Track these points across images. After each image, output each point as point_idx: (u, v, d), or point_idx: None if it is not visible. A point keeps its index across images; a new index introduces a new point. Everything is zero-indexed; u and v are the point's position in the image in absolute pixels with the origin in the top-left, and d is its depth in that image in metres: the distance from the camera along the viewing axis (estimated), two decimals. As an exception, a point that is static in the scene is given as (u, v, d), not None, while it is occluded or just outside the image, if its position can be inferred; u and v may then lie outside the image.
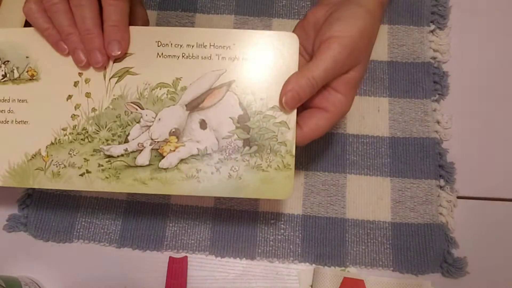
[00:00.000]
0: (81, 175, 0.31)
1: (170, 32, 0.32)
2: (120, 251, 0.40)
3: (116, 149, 0.31)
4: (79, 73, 0.32)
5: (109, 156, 0.31)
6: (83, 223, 0.41)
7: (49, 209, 0.41)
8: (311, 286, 0.38)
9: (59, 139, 0.32)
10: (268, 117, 0.31)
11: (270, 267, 0.39)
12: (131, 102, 0.32)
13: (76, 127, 0.32)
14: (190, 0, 0.47)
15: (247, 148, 0.31)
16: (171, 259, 0.39)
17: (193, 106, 0.31)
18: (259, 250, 0.40)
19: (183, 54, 0.32)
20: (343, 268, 0.39)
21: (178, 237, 0.40)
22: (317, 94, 0.31)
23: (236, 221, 0.40)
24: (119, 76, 0.32)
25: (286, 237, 0.40)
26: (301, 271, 0.39)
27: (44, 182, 0.31)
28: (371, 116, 0.43)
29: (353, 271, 0.39)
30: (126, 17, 0.32)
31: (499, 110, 0.43)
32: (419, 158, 0.41)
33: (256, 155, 0.31)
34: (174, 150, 0.31)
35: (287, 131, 0.31)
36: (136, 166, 0.31)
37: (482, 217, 0.40)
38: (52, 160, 0.31)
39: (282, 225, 0.40)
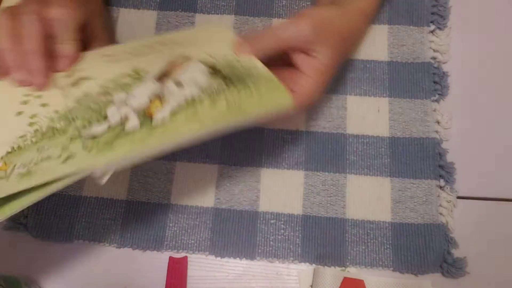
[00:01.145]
0: (65, 160, 0.28)
1: (113, 47, 0.34)
2: (120, 251, 0.40)
3: (99, 128, 0.28)
4: (25, 94, 0.31)
5: (93, 137, 0.28)
6: (83, 223, 0.41)
7: (49, 209, 0.41)
8: (311, 286, 0.38)
9: (18, 145, 0.29)
10: (233, 60, 0.33)
11: (270, 267, 0.39)
12: (97, 93, 0.30)
13: (39, 130, 0.29)
14: (190, 0, 0.48)
15: (231, 86, 0.31)
16: (171, 259, 0.39)
17: (162, 76, 0.32)
18: (259, 250, 0.40)
19: (134, 55, 0.34)
20: (343, 268, 0.39)
21: (178, 237, 0.40)
22: (285, 75, 0.33)
23: (236, 221, 0.40)
24: (75, 84, 0.31)
25: (286, 237, 0.40)
26: (301, 271, 0.39)
27: (10, 186, 0.27)
28: (371, 116, 0.43)
29: (353, 271, 0.39)
30: (74, 32, 0.32)
31: (499, 110, 0.43)
32: (419, 158, 0.41)
33: (243, 85, 0.31)
34: (162, 107, 0.30)
35: (257, 63, 0.33)
36: (128, 133, 0.28)
37: (482, 217, 0.40)
38: (15, 165, 0.28)
39: (282, 225, 0.40)
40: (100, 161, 0.27)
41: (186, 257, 0.39)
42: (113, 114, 0.29)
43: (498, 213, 0.40)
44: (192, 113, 0.29)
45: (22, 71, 0.31)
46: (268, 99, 0.31)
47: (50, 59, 0.32)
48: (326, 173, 0.41)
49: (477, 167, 0.42)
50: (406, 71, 0.44)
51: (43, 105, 0.31)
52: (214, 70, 0.32)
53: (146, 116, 0.29)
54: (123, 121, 0.29)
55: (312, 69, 0.34)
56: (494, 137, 0.42)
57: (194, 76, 0.31)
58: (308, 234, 0.40)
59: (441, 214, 0.40)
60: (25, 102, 0.31)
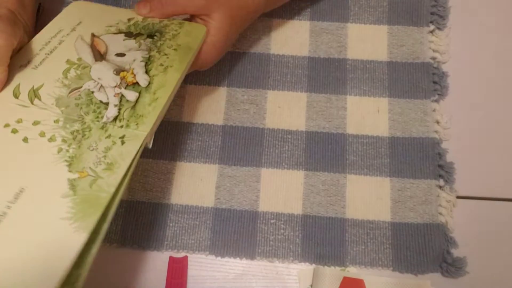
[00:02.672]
0: (122, 143, 0.30)
1: (21, 53, 0.35)
2: (120, 251, 0.40)
3: (110, 111, 0.32)
4: (5, 124, 0.30)
5: (114, 119, 0.31)
6: (83, 223, 0.41)
7: (49, 209, 0.41)
8: (311, 286, 0.38)
9: (69, 157, 0.29)
10: (133, 19, 0.38)
11: (270, 267, 0.39)
12: (69, 93, 0.32)
13: (65, 139, 0.30)
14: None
15: (156, 38, 0.37)
16: (171, 259, 0.39)
17: (98, 57, 0.35)
18: (259, 250, 0.40)
19: (47, 53, 0.35)
20: (343, 268, 0.39)
21: (178, 237, 0.40)
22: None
23: (236, 221, 0.40)
24: (36, 96, 0.32)
25: (286, 237, 0.40)
26: (301, 271, 0.39)
27: (111, 180, 0.28)
28: (371, 116, 0.43)
29: (352, 271, 0.39)
30: (8, 58, 0.32)
31: (498, 110, 0.43)
32: (418, 158, 0.42)
33: (167, 36, 0.36)
34: (134, 74, 0.34)
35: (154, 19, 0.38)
36: (135, 102, 0.32)
37: (481, 217, 0.40)
38: (89, 167, 0.29)
39: (282, 225, 0.40)
40: (148, 126, 0.31)
41: (186, 257, 0.40)
42: (106, 98, 0.32)
43: (498, 212, 0.40)
44: (161, 67, 0.34)
45: None
46: (194, 33, 0.37)
47: None
48: (326, 173, 0.42)
49: (476, 167, 0.42)
50: (406, 71, 0.44)
51: (35, 123, 0.31)
52: (131, 35, 0.37)
53: (131, 86, 0.33)
54: (120, 98, 0.32)
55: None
56: (494, 137, 0.43)
57: (123, 44, 0.36)
58: (308, 234, 0.40)
59: (440, 214, 0.40)
60: (14, 131, 0.30)
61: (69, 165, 0.29)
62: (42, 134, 0.30)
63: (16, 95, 0.32)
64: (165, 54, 0.35)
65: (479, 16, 0.46)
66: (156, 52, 0.35)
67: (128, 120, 0.31)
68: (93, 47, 0.36)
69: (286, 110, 0.44)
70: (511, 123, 0.43)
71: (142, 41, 0.36)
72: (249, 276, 0.39)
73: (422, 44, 0.45)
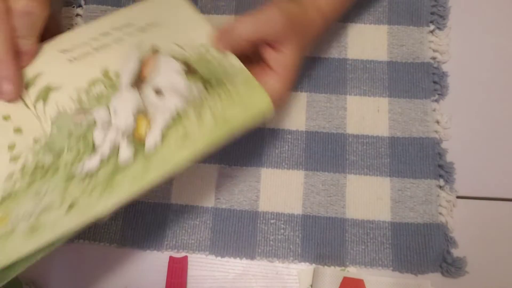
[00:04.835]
0: (68, 210, 0.25)
1: (67, 37, 0.30)
2: (120, 251, 0.40)
3: (91, 162, 0.26)
4: (4, 116, 0.27)
5: (88, 175, 0.26)
6: (83, 223, 0.41)
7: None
8: (311, 285, 0.38)
9: (10, 192, 0.25)
10: (206, 56, 0.31)
11: (270, 267, 0.39)
12: (75, 112, 0.28)
13: (25, 167, 0.26)
14: (190, 1, 0.47)
15: (209, 88, 0.29)
16: (171, 259, 0.39)
17: (137, 81, 0.29)
18: (259, 250, 0.40)
19: (94, 49, 0.30)
20: (343, 267, 0.39)
21: (178, 237, 0.40)
22: (254, 71, 0.32)
23: (236, 221, 0.40)
24: (43, 98, 0.28)
25: (286, 237, 0.40)
26: (301, 271, 0.39)
27: (20, 246, 0.24)
28: (371, 116, 0.43)
29: (352, 271, 0.39)
30: (39, 27, 0.29)
31: (499, 110, 0.43)
32: (418, 158, 0.42)
33: (222, 88, 0.29)
34: (150, 129, 0.28)
35: (233, 58, 0.31)
36: (124, 167, 0.26)
37: (481, 216, 0.40)
38: (17, 215, 0.25)
39: (282, 225, 0.40)
40: (105, 205, 0.25)
41: (186, 256, 0.40)
42: (102, 142, 0.27)
43: (498, 212, 0.40)
44: (182, 134, 0.28)
45: None
46: (250, 104, 0.29)
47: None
48: (326, 173, 0.41)
49: (476, 166, 0.42)
50: (406, 71, 0.44)
51: (17, 130, 0.27)
52: (189, 69, 0.30)
53: (136, 140, 0.27)
54: (115, 150, 0.27)
55: (281, 65, 0.32)
56: (494, 137, 0.43)
57: (171, 80, 0.29)
58: (308, 234, 0.40)
59: (440, 213, 0.40)
60: None
61: (5, 197, 0.25)
62: (11, 147, 0.27)
63: (27, 86, 0.28)
64: (200, 118, 0.28)
65: (479, 16, 0.46)
66: (193, 109, 0.28)
67: (95, 183, 0.26)
68: (142, 64, 0.30)
69: (286, 110, 0.44)
70: (511, 123, 0.43)
71: (192, 83, 0.29)
72: (249, 276, 0.39)
73: (422, 44, 0.45)
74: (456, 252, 0.39)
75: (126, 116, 0.28)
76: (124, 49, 0.30)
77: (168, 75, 0.29)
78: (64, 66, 0.29)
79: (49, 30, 0.32)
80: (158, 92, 0.29)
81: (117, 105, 0.28)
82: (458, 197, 0.41)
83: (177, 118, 0.28)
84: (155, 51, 0.30)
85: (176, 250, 0.40)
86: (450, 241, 0.39)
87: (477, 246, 0.39)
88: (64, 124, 0.27)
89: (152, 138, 0.27)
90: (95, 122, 0.28)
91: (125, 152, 0.27)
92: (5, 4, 0.27)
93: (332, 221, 0.40)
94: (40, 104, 0.28)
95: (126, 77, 0.29)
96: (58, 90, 0.28)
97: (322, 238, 0.40)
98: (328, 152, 0.42)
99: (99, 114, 0.28)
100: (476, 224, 0.40)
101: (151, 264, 0.40)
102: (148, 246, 0.40)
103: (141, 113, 0.28)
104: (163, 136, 0.27)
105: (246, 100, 0.29)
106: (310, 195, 0.41)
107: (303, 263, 0.39)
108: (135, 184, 0.26)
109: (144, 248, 0.40)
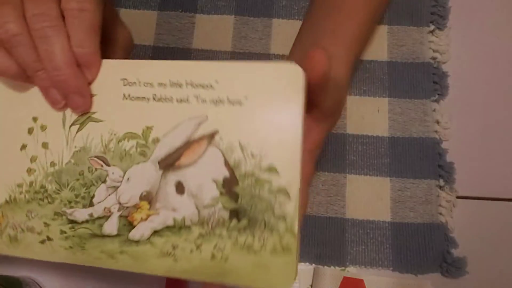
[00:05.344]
0: (42, 242, 0.26)
1: (138, 66, 0.26)
2: (120, 251, 0.40)
3: (80, 214, 0.26)
4: (33, 117, 0.27)
5: (73, 221, 0.26)
6: (83, 223, 0.41)
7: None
8: (311, 286, 0.38)
9: (15, 197, 0.27)
10: (262, 182, 0.24)
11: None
12: (95, 157, 0.26)
13: (33, 184, 0.27)
14: (190, 1, 0.48)
15: (234, 221, 0.24)
16: (171, 259, 0.39)
17: (168, 164, 0.25)
18: (259, 250, 0.40)
19: (154, 96, 0.26)
20: (342, 268, 0.39)
21: (178, 237, 0.40)
22: None
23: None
24: (81, 124, 0.26)
25: (286, 237, 0.40)
26: (301, 271, 0.39)
27: (1, 247, 0.27)
28: (371, 116, 0.43)
29: (352, 271, 0.39)
30: (95, 33, 0.25)
31: (499, 110, 0.43)
32: (418, 158, 0.42)
33: (247, 231, 0.24)
34: (146, 219, 0.25)
35: (286, 201, 0.23)
36: (103, 236, 0.25)
37: (481, 217, 0.40)
38: (8, 221, 0.27)
39: (282, 225, 0.40)
40: (71, 260, 0.26)
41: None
42: (99, 201, 0.26)
43: (498, 212, 0.40)
44: (169, 248, 0.25)
45: (58, 91, 0.26)
46: (264, 275, 0.23)
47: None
48: (326, 173, 0.41)
49: (476, 167, 0.42)
50: (406, 71, 0.44)
51: (44, 145, 0.27)
52: (229, 188, 0.24)
53: (126, 220, 0.25)
54: (104, 215, 0.26)
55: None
56: (494, 137, 0.43)
57: (201, 186, 0.25)
58: (308, 234, 0.40)
59: (440, 214, 0.40)
60: (30, 131, 0.27)
61: (7, 202, 0.27)
62: (33, 159, 0.27)
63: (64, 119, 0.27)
64: (199, 248, 0.24)
65: (480, 16, 0.46)
66: (199, 233, 0.24)
67: (73, 234, 0.26)
68: (185, 147, 0.25)
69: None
70: (511, 123, 0.43)
71: (221, 205, 0.24)
72: (249, 276, 0.39)
73: (422, 44, 0.45)
74: (456, 252, 0.39)
75: (133, 194, 0.25)
76: (182, 115, 0.25)
77: (202, 177, 0.25)
78: (116, 101, 0.26)
79: (118, 39, 0.29)
80: (179, 189, 0.25)
81: (134, 176, 0.26)
82: (458, 197, 0.41)
83: (177, 229, 0.25)
84: (211, 137, 0.25)
85: (176, 250, 0.40)
86: (450, 241, 0.39)
87: (477, 246, 0.39)
88: (82, 162, 0.26)
89: (141, 230, 0.25)
90: (105, 178, 0.26)
91: (111, 225, 0.26)
92: (58, 9, 0.24)
93: (332, 221, 0.40)
94: (74, 129, 0.27)
95: (161, 152, 0.25)
96: (97, 123, 0.26)
97: (322, 238, 0.40)
98: (328, 152, 0.42)
99: (114, 174, 0.26)
100: (476, 224, 0.40)
101: (151, 264, 0.40)
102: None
103: (149, 199, 0.25)
104: (154, 234, 0.25)
105: (263, 266, 0.23)
106: (310, 195, 0.41)
107: (303, 263, 0.39)
108: (102, 259, 0.26)
109: (144, 248, 0.40)
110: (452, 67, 0.44)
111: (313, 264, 0.39)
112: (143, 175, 0.25)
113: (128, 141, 0.26)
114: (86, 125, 0.27)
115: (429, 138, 0.42)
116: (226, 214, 0.24)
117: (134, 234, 0.25)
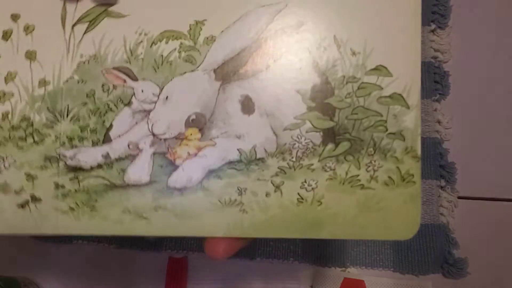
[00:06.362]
0: (22, 205, 0.18)
1: None
2: (119, 252, 0.40)
3: (88, 155, 0.18)
4: (12, 15, 0.18)
5: (76, 169, 0.18)
6: (82, 223, 0.40)
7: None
8: (311, 286, 0.38)
9: None
10: (368, 87, 0.18)
11: (270, 267, 0.39)
12: (114, 68, 0.18)
13: (9, 116, 0.18)
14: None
15: (330, 146, 0.18)
16: (171, 259, 0.39)
17: (228, 71, 0.18)
18: (259, 250, 0.39)
19: None
20: (343, 268, 0.39)
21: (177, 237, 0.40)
22: None
23: (236, 221, 0.40)
24: (91, 21, 0.18)
25: (286, 238, 0.40)
26: (301, 271, 0.39)
27: None
28: (371, 116, 0.43)
29: (353, 272, 0.39)
30: None
31: (500, 110, 0.43)
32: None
33: (349, 158, 0.18)
34: (196, 154, 0.18)
35: (404, 112, 0.18)
36: (127, 186, 0.18)
37: (483, 217, 0.40)
38: None
39: (282, 225, 0.40)
40: (73, 230, 0.18)
41: (186, 257, 0.39)
42: (119, 133, 0.18)
43: (500, 213, 0.40)
44: (235, 190, 0.18)
45: None
46: (376, 220, 0.18)
47: None
48: (327, 173, 0.41)
49: (478, 167, 0.42)
50: (407, 71, 0.44)
51: (29, 54, 0.19)
52: (321, 100, 0.18)
53: (164, 159, 0.18)
54: (128, 154, 0.18)
55: None
56: (495, 137, 0.42)
57: (280, 102, 0.18)
58: (308, 234, 0.40)
59: (442, 214, 0.40)
60: (6, 35, 0.19)
61: None
62: (10, 76, 0.19)
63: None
64: (278, 189, 0.18)
65: (481, 15, 0.46)
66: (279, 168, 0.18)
67: (77, 187, 0.18)
68: (262, 48, 0.18)
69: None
70: (513, 123, 0.43)
71: (310, 122, 0.18)
72: (249, 277, 0.39)
73: (423, 43, 0.45)
74: (457, 253, 0.39)
75: (175, 118, 0.18)
76: (249, 2, 0.18)
77: (279, 86, 0.18)
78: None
79: None
80: (247, 107, 0.18)
81: (176, 92, 0.18)
82: (459, 197, 0.41)
83: (245, 165, 0.18)
84: (293, 31, 0.18)
85: (175, 251, 0.40)
86: (451, 242, 0.39)
87: (479, 247, 0.39)
88: (92, 77, 0.18)
89: (188, 171, 0.18)
90: (130, 100, 0.18)
91: (139, 169, 0.18)
92: None
93: (332, 221, 0.40)
94: (80, 30, 0.18)
95: (218, 55, 0.18)
96: (117, 20, 0.18)
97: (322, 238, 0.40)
98: (329, 152, 0.42)
99: (144, 91, 0.18)
100: (477, 224, 0.40)
101: (151, 264, 0.39)
102: (148, 246, 0.40)
103: (200, 125, 0.18)
104: (208, 176, 0.18)
105: (374, 206, 0.18)
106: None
107: (303, 264, 0.39)
108: (124, 224, 0.18)
109: (143, 248, 0.40)
110: (453, 66, 0.44)
111: (314, 265, 0.39)
112: (190, 90, 0.18)
113: (166, 42, 0.18)
114: (100, 23, 0.18)
115: (430, 138, 0.42)
116: (317, 137, 0.18)
117: (177, 178, 0.18)
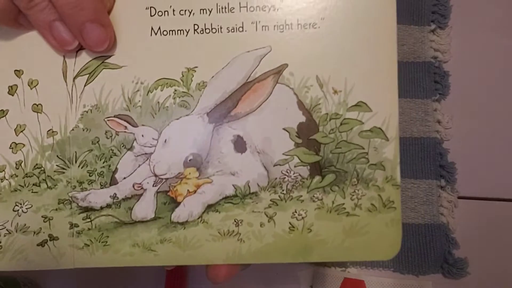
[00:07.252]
0: (41, 244, 0.19)
1: None
2: (119, 252, 0.40)
3: (98, 197, 0.20)
4: (16, 71, 0.20)
5: (88, 209, 0.19)
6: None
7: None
8: (311, 286, 0.38)
9: None
10: (350, 122, 0.19)
11: (270, 267, 0.39)
12: (115, 116, 0.20)
13: (22, 165, 0.20)
14: None
15: (317, 178, 0.19)
16: (171, 260, 0.39)
17: (220, 114, 0.19)
18: (259, 251, 0.39)
19: (196, 27, 0.19)
20: (343, 268, 0.39)
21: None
22: None
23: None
24: (91, 73, 0.20)
25: (286, 238, 0.40)
26: (301, 271, 0.39)
27: None
28: (371, 116, 0.43)
29: (353, 272, 0.39)
30: None
31: (500, 110, 0.43)
32: (419, 158, 0.41)
33: (334, 189, 0.19)
34: (195, 192, 0.19)
35: (384, 144, 0.19)
36: (135, 222, 0.19)
37: (483, 217, 0.40)
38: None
39: (282, 226, 0.40)
40: (89, 263, 0.19)
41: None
42: (124, 175, 0.19)
43: (499, 213, 0.40)
44: (232, 222, 0.19)
45: (66, 24, 0.19)
46: (361, 243, 0.19)
47: None
48: (326, 173, 0.41)
49: (478, 167, 0.41)
50: (407, 71, 0.44)
51: (36, 107, 0.20)
52: (306, 136, 0.19)
53: (166, 197, 0.19)
54: (134, 194, 0.19)
55: None
56: (495, 137, 0.42)
57: (270, 140, 0.19)
58: (308, 235, 0.40)
59: (442, 214, 0.40)
60: (12, 90, 0.20)
61: None
62: (20, 128, 0.20)
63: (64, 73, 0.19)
64: (272, 219, 0.19)
65: (481, 15, 0.46)
66: (269, 199, 0.19)
67: (89, 225, 0.19)
68: (245, 88, 0.19)
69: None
70: (513, 123, 0.43)
71: (297, 157, 0.19)
72: (249, 276, 0.39)
73: (423, 43, 0.45)
74: (457, 253, 0.39)
75: (174, 160, 0.19)
76: (236, 49, 0.19)
77: (268, 126, 0.19)
78: (141, 38, 0.19)
79: None
80: (239, 146, 0.19)
81: (174, 135, 0.19)
82: (459, 197, 0.40)
83: (240, 199, 0.19)
84: (277, 73, 0.19)
85: (175, 251, 0.40)
86: (451, 242, 0.39)
87: (479, 247, 0.39)
88: (95, 125, 0.20)
89: (189, 207, 0.19)
90: (132, 144, 0.19)
91: (144, 207, 0.19)
92: None
93: (332, 221, 0.40)
94: (81, 82, 0.20)
95: (210, 100, 0.19)
96: (114, 71, 0.20)
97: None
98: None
99: (144, 136, 0.19)
100: (477, 224, 0.40)
101: (150, 264, 0.39)
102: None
103: (198, 165, 0.19)
104: (207, 210, 0.19)
105: (359, 231, 0.19)
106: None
107: (303, 264, 0.39)
108: (134, 256, 0.19)
109: (143, 248, 0.40)
110: (453, 66, 0.44)
111: (313, 265, 0.39)
112: (186, 133, 0.19)
113: (162, 90, 0.19)
114: (99, 75, 0.19)
115: (430, 138, 0.42)
116: (305, 171, 0.19)
117: (179, 213, 0.19)
